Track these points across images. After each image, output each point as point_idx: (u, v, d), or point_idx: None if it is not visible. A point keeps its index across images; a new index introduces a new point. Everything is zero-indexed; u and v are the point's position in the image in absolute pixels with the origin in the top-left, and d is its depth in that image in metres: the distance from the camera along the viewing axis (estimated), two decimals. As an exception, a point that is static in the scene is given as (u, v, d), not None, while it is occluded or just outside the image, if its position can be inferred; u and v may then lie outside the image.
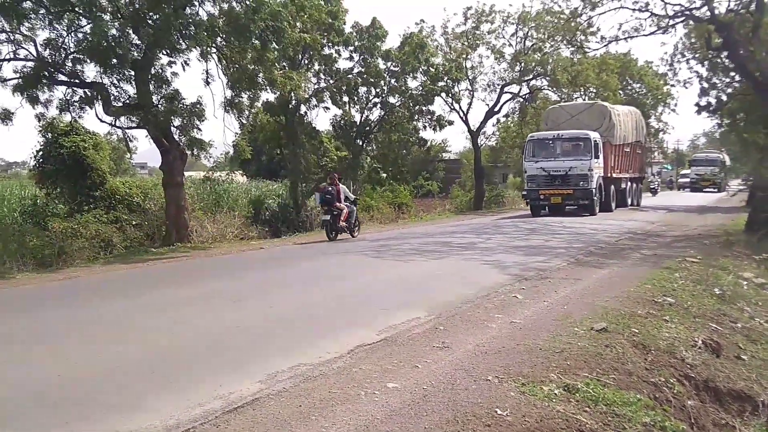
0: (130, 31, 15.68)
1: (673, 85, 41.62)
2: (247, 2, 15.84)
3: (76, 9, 15.11)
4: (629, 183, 31.80)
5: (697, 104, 34.15)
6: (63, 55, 16.04)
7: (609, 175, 27.51)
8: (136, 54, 16.20)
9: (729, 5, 22.33)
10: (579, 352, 6.30)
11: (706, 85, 33.72)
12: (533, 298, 9.03)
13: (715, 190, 56.27)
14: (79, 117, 17.26)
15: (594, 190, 25.37)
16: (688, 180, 61.72)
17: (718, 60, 28.79)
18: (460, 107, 36.49)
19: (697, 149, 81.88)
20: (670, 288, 9.98)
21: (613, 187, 28.47)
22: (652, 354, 6.74)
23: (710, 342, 7.64)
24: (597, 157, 25.66)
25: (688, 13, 23.25)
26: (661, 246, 15.98)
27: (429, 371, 5.73)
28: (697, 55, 30.02)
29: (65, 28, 15.77)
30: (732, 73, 29.21)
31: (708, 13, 22.14)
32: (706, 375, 6.86)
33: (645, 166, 37.60)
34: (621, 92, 44.44)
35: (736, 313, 9.44)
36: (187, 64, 16.81)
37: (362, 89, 26.80)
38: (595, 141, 25.69)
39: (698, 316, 8.57)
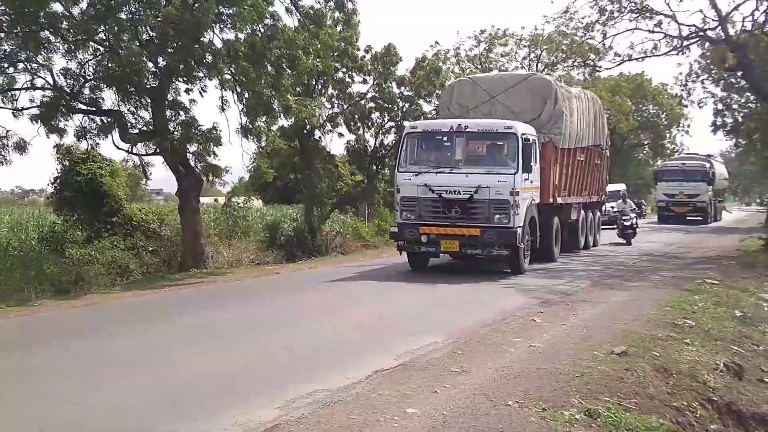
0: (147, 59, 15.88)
1: (686, 106, 40.60)
2: (262, 31, 16.01)
3: (95, 39, 15.33)
4: (582, 212, 20.19)
5: (713, 123, 34.01)
6: (80, 83, 16.23)
7: (551, 200, 16.61)
8: (153, 81, 16.38)
9: (743, 26, 22.27)
10: (600, 376, 6.24)
11: (720, 106, 33.67)
12: (552, 321, 8.98)
13: (700, 217, 36.83)
14: (96, 145, 17.42)
15: (519, 229, 14.07)
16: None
17: (733, 80, 28.75)
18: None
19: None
20: (690, 310, 9.90)
21: (557, 219, 17.54)
22: (673, 377, 6.67)
23: (732, 365, 7.56)
24: (527, 169, 14.48)
25: (702, 33, 23.26)
26: (681, 268, 15.86)
27: (448, 396, 5.69)
28: (712, 76, 29.86)
29: (85, 57, 15.98)
30: (747, 93, 29.17)
31: (722, 34, 22.14)
32: (728, 398, 6.78)
33: (605, 184, 23.65)
34: (634, 114, 44.35)
35: (758, 335, 9.35)
36: (204, 91, 17.00)
37: (375, 114, 26.83)
38: (526, 139, 14.60)
39: (719, 339, 8.48)
